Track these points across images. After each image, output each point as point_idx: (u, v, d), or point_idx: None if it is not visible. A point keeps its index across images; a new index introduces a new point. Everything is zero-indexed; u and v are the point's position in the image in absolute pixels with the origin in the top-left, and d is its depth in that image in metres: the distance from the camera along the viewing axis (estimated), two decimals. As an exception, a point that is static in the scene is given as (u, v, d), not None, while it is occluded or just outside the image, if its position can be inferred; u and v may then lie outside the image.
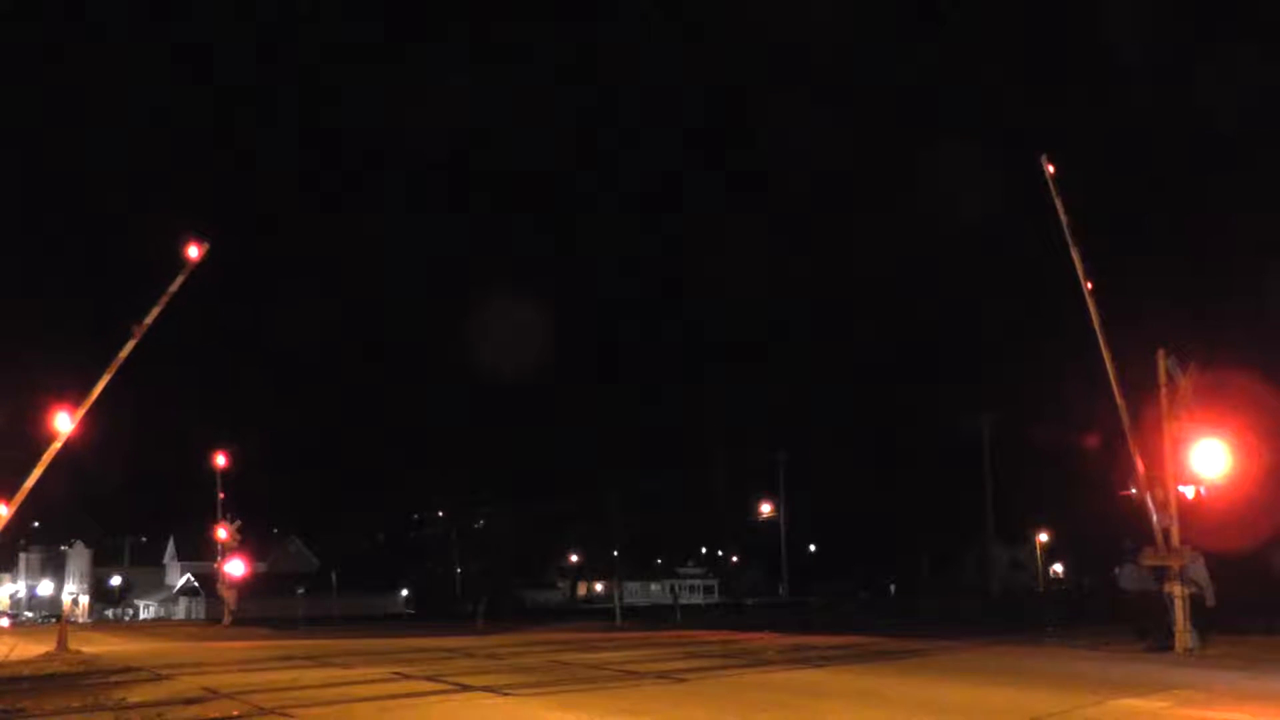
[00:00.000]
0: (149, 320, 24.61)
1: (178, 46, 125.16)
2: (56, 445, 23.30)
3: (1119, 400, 20.76)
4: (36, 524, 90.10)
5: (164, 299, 24.75)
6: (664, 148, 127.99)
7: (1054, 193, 21.46)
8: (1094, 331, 21.04)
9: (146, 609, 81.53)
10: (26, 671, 18.92)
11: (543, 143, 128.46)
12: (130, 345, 24.01)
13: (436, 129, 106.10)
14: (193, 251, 24.74)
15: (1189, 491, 19.35)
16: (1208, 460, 19.10)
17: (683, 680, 14.93)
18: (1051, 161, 21.62)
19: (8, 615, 79.92)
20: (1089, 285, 21.12)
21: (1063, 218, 21.47)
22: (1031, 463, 66.16)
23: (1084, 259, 21.26)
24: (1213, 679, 14.62)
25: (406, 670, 16.73)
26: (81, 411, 23.40)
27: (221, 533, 40.04)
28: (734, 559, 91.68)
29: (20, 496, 23.51)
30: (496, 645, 23.26)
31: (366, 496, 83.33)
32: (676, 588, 76.31)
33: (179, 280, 24.82)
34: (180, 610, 72.77)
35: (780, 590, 75.18)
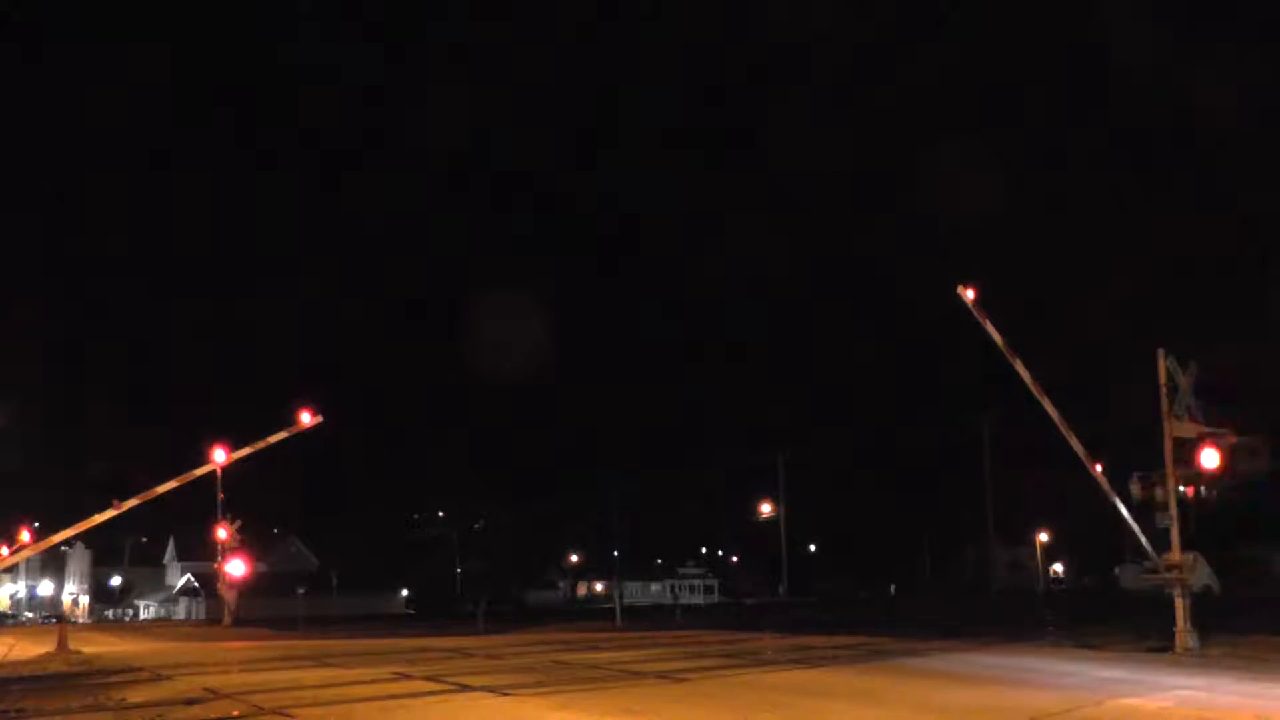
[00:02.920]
0: (237, 455, 26.06)
1: (177, 44, 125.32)
2: (81, 527, 23.89)
3: (1098, 477, 21.11)
4: (36, 524, 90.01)
5: (260, 444, 26.20)
6: (664, 147, 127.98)
7: (981, 319, 21.41)
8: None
9: (147, 609, 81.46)
10: (27, 671, 18.93)
11: (543, 143, 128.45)
12: (204, 470, 25.18)
13: (436, 129, 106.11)
14: (305, 418, 26.14)
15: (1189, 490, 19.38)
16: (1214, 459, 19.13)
17: (683, 680, 14.93)
18: (971, 286, 21.45)
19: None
20: (1038, 388, 21.21)
21: (996, 340, 21.44)
22: (1032, 463, 66.18)
23: (1028, 366, 21.30)
24: (1213, 679, 14.62)
25: (407, 670, 16.73)
26: (127, 506, 23.97)
27: (221, 533, 39.97)
28: (734, 559, 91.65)
29: (46, 544, 24.22)
30: (496, 645, 23.26)
31: (366, 496, 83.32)
32: (676, 588, 76.36)
33: (280, 435, 26.21)
34: (180, 610, 72.72)
35: (780, 590, 75.13)
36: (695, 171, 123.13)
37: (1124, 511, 20.76)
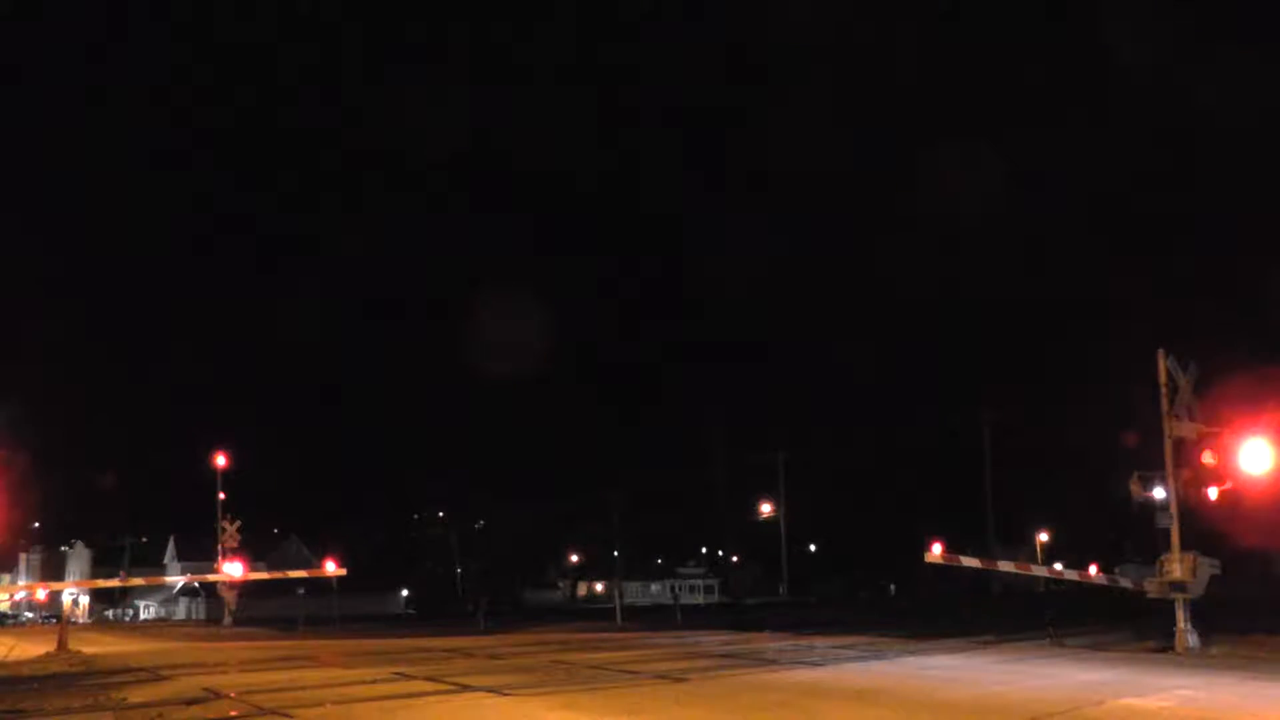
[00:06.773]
0: (254, 575, 31.94)
1: (176, 44, 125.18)
2: (85, 584, 24.97)
3: (1092, 580, 24.03)
4: (37, 524, 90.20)
5: (278, 574, 32.99)
6: (664, 147, 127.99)
7: (958, 562, 23.95)
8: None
9: (147, 609, 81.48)
10: (27, 672, 18.93)
11: (543, 143, 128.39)
12: (213, 578, 27.61)
13: (437, 129, 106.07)
14: (330, 567, 30.93)
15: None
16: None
17: (683, 680, 14.93)
18: (939, 540, 23.18)
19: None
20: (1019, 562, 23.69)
21: (980, 566, 25.34)
22: (1031, 463, 66.24)
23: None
24: (1213, 679, 14.61)
25: (407, 670, 16.73)
26: (133, 582, 25.47)
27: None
28: (734, 559, 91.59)
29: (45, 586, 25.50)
30: (497, 645, 23.26)
31: (366, 496, 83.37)
32: (677, 588, 76.32)
33: (300, 573, 32.90)
34: (180, 611, 72.73)
35: (780, 590, 75.14)
36: (695, 171, 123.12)
37: (1122, 582, 22.72)
